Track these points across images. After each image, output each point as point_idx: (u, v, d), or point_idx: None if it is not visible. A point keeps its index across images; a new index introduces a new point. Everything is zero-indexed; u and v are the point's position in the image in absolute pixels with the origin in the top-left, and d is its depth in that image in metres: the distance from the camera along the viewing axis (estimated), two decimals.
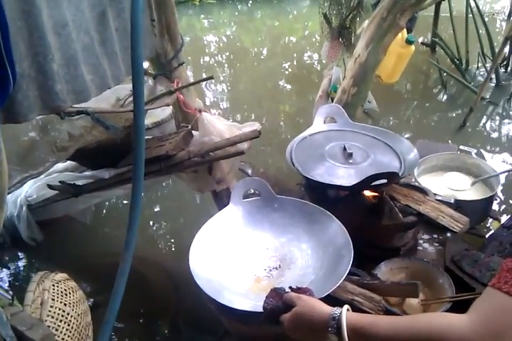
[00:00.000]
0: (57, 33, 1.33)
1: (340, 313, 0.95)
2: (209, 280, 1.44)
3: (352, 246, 1.45)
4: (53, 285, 1.17)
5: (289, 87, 5.06)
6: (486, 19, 4.65)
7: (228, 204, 1.74)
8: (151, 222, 2.89)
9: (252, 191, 1.82)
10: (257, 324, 1.35)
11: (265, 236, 1.67)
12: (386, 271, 1.71)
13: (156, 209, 3.04)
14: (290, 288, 1.18)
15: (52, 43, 1.30)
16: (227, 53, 6.36)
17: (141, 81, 1.30)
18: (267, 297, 1.17)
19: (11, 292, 1.07)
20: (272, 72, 5.53)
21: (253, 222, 1.71)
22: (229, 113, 4.41)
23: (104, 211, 3.03)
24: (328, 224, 1.60)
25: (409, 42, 2.85)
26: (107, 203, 3.04)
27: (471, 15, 4.56)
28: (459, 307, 1.60)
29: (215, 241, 1.62)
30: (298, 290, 1.16)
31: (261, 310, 1.18)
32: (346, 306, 0.98)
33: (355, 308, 1.36)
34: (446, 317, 0.88)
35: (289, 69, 5.65)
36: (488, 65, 4.53)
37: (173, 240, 2.77)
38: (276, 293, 1.17)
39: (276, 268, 1.54)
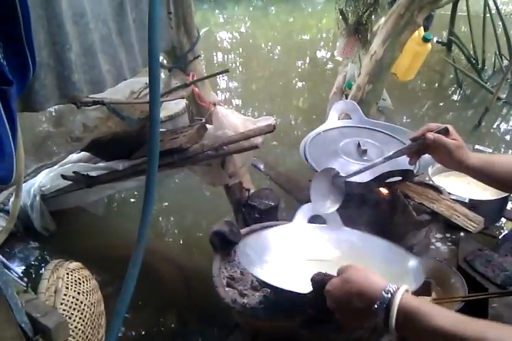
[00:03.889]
0: (75, 22, 1.33)
1: (397, 289, 0.85)
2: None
3: None
4: (67, 274, 1.17)
5: (301, 83, 5.05)
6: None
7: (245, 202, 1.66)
8: (160, 216, 2.90)
9: None
10: (268, 318, 1.35)
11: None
12: None
13: (165, 204, 3.04)
14: None
15: (70, 33, 1.30)
16: (241, 49, 6.36)
17: (158, 73, 1.30)
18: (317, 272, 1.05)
19: (25, 279, 1.07)
20: (284, 68, 5.52)
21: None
22: (241, 109, 4.40)
23: (115, 203, 3.04)
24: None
25: (425, 40, 2.83)
26: (118, 195, 3.05)
27: (488, 15, 4.52)
28: (472, 307, 1.60)
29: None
30: None
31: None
32: (405, 286, 0.88)
33: None
34: None
35: (302, 66, 5.64)
36: (504, 65, 4.48)
37: (182, 234, 2.78)
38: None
39: None
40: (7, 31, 0.92)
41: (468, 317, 0.80)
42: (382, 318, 0.85)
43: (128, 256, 1.26)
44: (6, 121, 0.85)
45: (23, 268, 2.43)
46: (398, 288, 0.86)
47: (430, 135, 1.27)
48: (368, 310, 0.87)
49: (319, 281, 1.00)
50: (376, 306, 0.85)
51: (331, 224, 1.59)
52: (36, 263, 2.49)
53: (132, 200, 3.06)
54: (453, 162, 1.25)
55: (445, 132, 1.28)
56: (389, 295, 0.85)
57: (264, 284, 1.30)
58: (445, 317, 0.80)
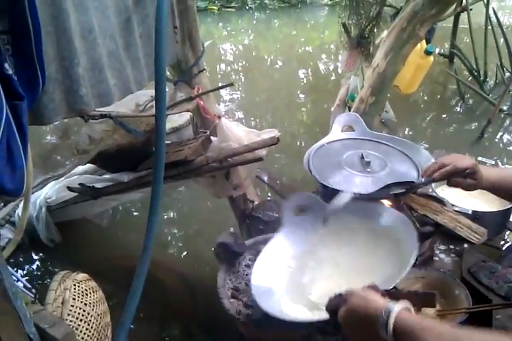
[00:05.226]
0: (83, 37, 1.36)
1: (392, 310, 0.91)
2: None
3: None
4: (74, 285, 1.18)
5: (304, 95, 5.08)
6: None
7: (249, 213, 1.71)
8: (165, 227, 2.90)
9: None
10: (273, 330, 1.36)
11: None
12: (402, 281, 1.70)
13: (170, 215, 3.06)
14: None
15: (78, 48, 1.33)
16: (244, 61, 6.41)
17: (164, 86, 1.32)
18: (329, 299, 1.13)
19: (33, 290, 1.08)
20: (287, 80, 5.55)
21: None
22: (243, 121, 4.42)
23: (119, 215, 3.05)
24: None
25: (428, 52, 2.85)
26: (122, 207, 3.07)
27: (489, 27, 4.56)
28: (476, 318, 1.60)
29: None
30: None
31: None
32: (402, 304, 0.93)
33: None
34: None
35: (305, 78, 5.67)
36: (506, 77, 4.51)
37: (187, 245, 2.78)
38: (338, 295, 1.12)
39: None
40: (19, 47, 0.95)
41: (461, 330, 0.85)
42: (386, 337, 0.90)
43: (133, 267, 1.27)
44: (17, 135, 0.87)
45: (29, 279, 2.44)
46: (394, 307, 0.91)
47: (453, 182, 1.37)
48: (375, 332, 0.92)
49: (333, 309, 1.07)
50: (378, 328, 0.91)
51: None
52: (42, 274, 2.50)
53: (136, 211, 3.07)
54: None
55: (471, 174, 1.34)
56: (386, 317, 0.90)
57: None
58: (435, 334, 0.84)
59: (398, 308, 0.91)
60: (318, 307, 1.35)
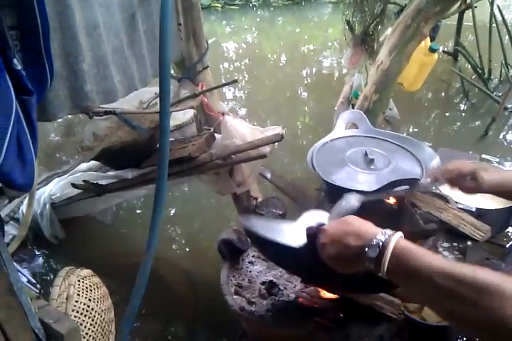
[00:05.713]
0: (88, 34, 1.36)
1: (393, 233, 0.87)
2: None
3: None
4: (79, 281, 1.19)
5: (307, 93, 5.07)
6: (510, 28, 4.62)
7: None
8: (168, 224, 2.91)
9: None
10: (276, 326, 1.36)
11: None
12: None
13: (173, 212, 3.06)
14: None
15: (83, 44, 1.33)
16: (247, 59, 6.40)
17: (168, 83, 1.32)
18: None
19: (38, 285, 1.09)
20: (290, 78, 5.55)
21: None
22: (246, 119, 4.41)
23: (123, 211, 3.06)
24: None
25: (432, 50, 2.85)
26: (126, 203, 3.07)
27: (494, 25, 4.54)
28: None
29: None
30: None
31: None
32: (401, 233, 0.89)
33: (376, 312, 1.36)
34: None
35: (308, 76, 5.66)
36: (511, 75, 4.49)
37: (190, 242, 2.79)
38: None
39: None
40: (27, 43, 0.95)
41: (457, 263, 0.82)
42: (374, 259, 0.86)
43: (136, 264, 1.28)
44: (27, 129, 0.88)
45: (33, 275, 2.45)
46: (395, 233, 0.88)
47: (455, 182, 1.40)
48: (360, 249, 0.88)
49: (314, 233, 1.01)
50: (372, 244, 0.86)
51: None
52: (45, 270, 2.51)
53: (140, 208, 3.08)
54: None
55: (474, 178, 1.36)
56: (385, 236, 0.86)
57: (256, 239, 1.30)
58: (439, 258, 0.82)
59: (399, 234, 0.88)
60: None
